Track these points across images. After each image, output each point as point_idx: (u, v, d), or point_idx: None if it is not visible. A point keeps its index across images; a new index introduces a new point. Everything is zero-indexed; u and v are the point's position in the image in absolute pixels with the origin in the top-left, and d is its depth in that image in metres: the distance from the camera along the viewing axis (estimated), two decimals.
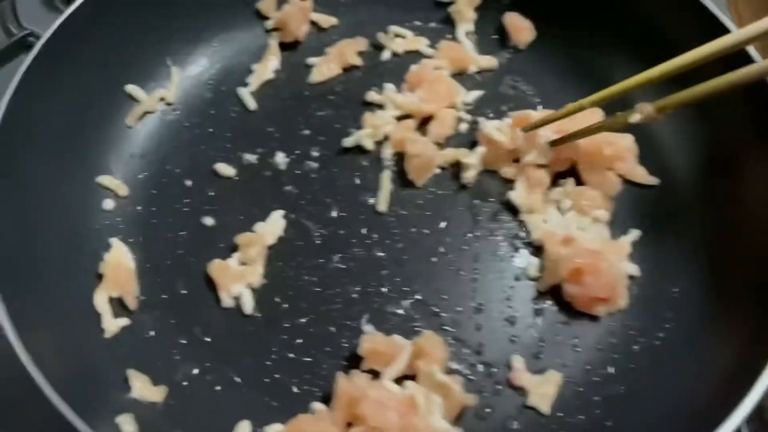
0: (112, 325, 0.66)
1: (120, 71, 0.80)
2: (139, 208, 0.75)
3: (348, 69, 0.84)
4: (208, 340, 0.67)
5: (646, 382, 0.64)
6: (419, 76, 0.80)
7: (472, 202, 0.75)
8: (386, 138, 0.78)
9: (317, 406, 0.63)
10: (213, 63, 0.84)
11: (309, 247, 0.72)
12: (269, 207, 0.74)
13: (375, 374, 0.63)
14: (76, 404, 0.54)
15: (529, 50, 0.84)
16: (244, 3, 0.86)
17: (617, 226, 0.72)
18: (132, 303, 0.68)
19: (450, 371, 0.64)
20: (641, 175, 0.74)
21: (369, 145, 0.78)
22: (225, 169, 0.77)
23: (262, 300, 0.69)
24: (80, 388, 0.58)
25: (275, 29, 0.86)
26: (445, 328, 0.67)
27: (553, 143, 0.73)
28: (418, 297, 0.69)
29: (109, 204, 0.74)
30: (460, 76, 0.83)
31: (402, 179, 0.76)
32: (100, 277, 0.68)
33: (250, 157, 0.78)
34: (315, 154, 0.78)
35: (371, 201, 0.75)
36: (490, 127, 0.75)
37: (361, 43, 0.85)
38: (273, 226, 0.72)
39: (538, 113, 0.75)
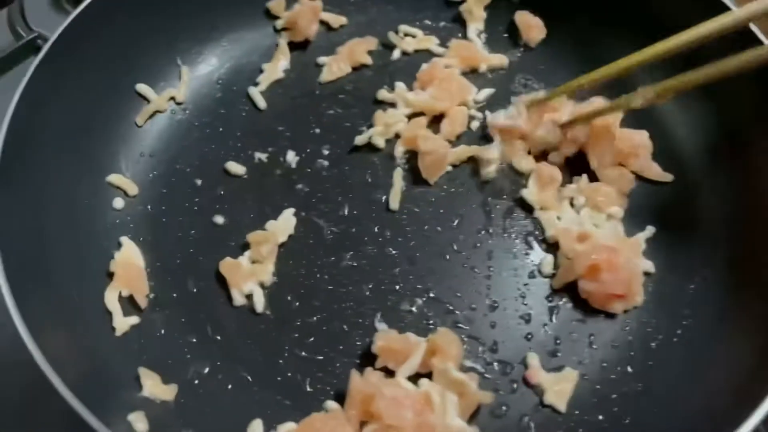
0: (123, 323, 0.65)
1: (129, 71, 0.80)
2: (149, 207, 0.74)
3: (358, 68, 0.84)
4: (219, 338, 0.67)
5: (663, 379, 0.63)
6: (430, 75, 0.80)
7: (486, 199, 0.74)
8: (397, 136, 0.77)
9: (330, 404, 0.62)
10: (223, 62, 0.84)
11: (320, 245, 0.71)
12: (280, 205, 0.73)
13: (389, 372, 0.63)
14: (89, 402, 0.53)
15: (540, 48, 0.84)
16: (253, 2, 0.86)
17: (632, 223, 0.71)
18: (142, 301, 0.67)
19: (465, 369, 0.63)
20: (655, 172, 0.74)
21: (380, 143, 0.77)
22: (235, 168, 0.76)
23: (274, 298, 0.69)
24: (92, 386, 0.57)
25: (285, 29, 0.86)
26: (460, 325, 0.67)
27: (562, 126, 0.73)
28: (432, 295, 0.68)
29: (119, 203, 0.73)
30: (471, 74, 0.83)
31: (414, 177, 0.75)
32: (110, 275, 0.68)
33: (261, 156, 0.77)
34: (326, 152, 0.77)
35: (383, 199, 0.74)
36: (498, 117, 0.75)
37: (372, 43, 0.85)
38: (284, 224, 0.72)
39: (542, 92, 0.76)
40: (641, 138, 0.73)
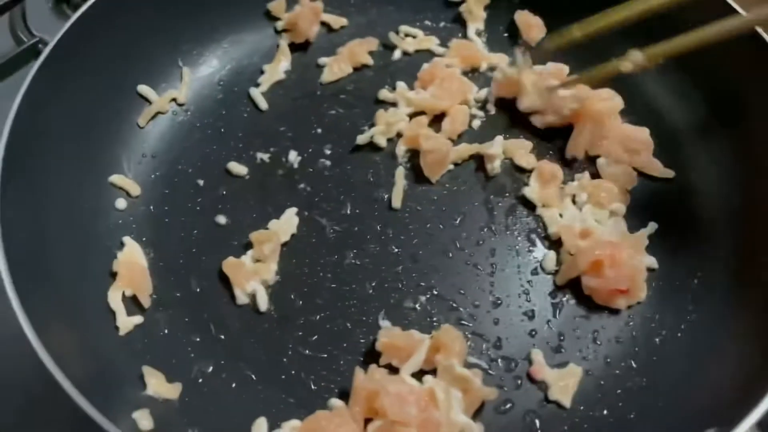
0: (127, 323, 0.65)
1: (131, 73, 0.80)
2: (151, 207, 0.74)
3: (359, 68, 0.84)
4: (223, 337, 0.67)
5: (667, 374, 0.63)
6: (431, 74, 0.80)
7: (488, 197, 0.74)
8: (399, 135, 0.78)
9: (335, 402, 0.62)
10: (224, 64, 0.85)
11: (323, 244, 0.72)
12: (283, 205, 0.73)
13: (393, 369, 0.62)
14: (95, 400, 0.53)
15: (540, 47, 0.84)
16: (254, 4, 0.86)
17: (634, 220, 0.72)
18: (146, 301, 0.67)
19: (469, 365, 0.63)
20: (657, 168, 0.74)
21: (382, 142, 0.77)
22: (237, 168, 0.76)
23: (277, 297, 0.68)
24: (97, 384, 0.57)
25: (286, 30, 0.86)
26: (463, 322, 0.67)
27: (552, 90, 0.75)
28: (435, 292, 0.68)
29: (122, 203, 0.73)
30: (471, 73, 0.83)
31: (415, 175, 0.76)
32: (114, 275, 0.68)
33: (263, 156, 0.77)
34: (328, 152, 0.78)
35: (385, 197, 0.74)
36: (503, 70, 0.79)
37: (372, 43, 0.85)
38: (287, 223, 0.72)
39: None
40: (642, 135, 0.74)
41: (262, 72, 0.84)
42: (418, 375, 0.62)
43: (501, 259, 0.70)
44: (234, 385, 0.64)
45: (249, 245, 0.70)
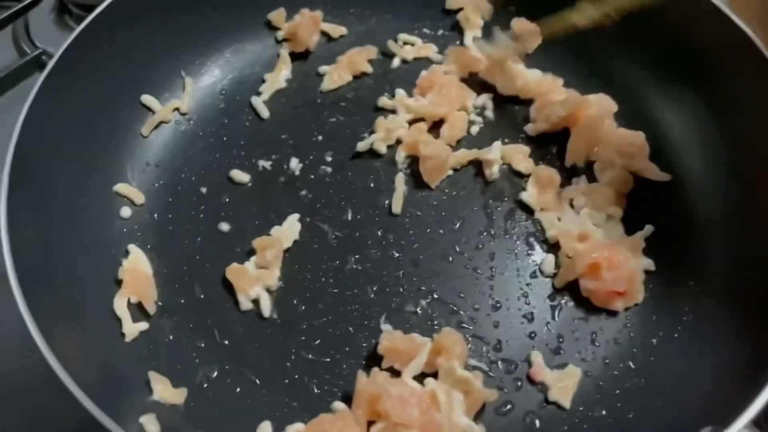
0: (133, 329, 0.66)
1: (134, 83, 0.81)
2: (155, 215, 0.75)
3: (359, 76, 0.85)
4: (227, 342, 0.67)
5: (665, 375, 0.64)
6: (430, 81, 0.81)
7: (487, 201, 0.75)
8: (399, 142, 0.79)
9: (338, 405, 0.63)
10: (226, 73, 0.86)
11: (325, 250, 0.73)
12: (285, 211, 0.75)
13: (395, 373, 0.63)
14: (102, 404, 0.54)
15: (537, 54, 0.85)
16: (255, 14, 0.87)
17: (631, 222, 0.72)
18: (151, 308, 0.68)
19: (470, 368, 0.64)
20: (653, 172, 0.75)
21: (382, 148, 0.79)
22: (240, 176, 0.77)
23: (280, 302, 0.70)
24: (104, 389, 0.57)
25: (286, 39, 0.87)
26: (464, 325, 0.68)
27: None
28: (436, 296, 0.69)
29: (126, 212, 0.74)
30: (470, 80, 0.84)
31: (415, 181, 0.77)
32: (119, 283, 0.69)
33: (265, 164, 0.78)
34: (329, 159, 0.79)
35: (386, 203, 0.75)
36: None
37: (371, 51, 0.86)
38: (289, 229, 0.73)
39: None
40: (638, 138, 0.75)
41: (263, 81, 0.85)
42: (420, 378, 0.63)
43: (500, 263, 0.71)
44: (238, 389, 0.65)
45: (252, 252, 0.71)
